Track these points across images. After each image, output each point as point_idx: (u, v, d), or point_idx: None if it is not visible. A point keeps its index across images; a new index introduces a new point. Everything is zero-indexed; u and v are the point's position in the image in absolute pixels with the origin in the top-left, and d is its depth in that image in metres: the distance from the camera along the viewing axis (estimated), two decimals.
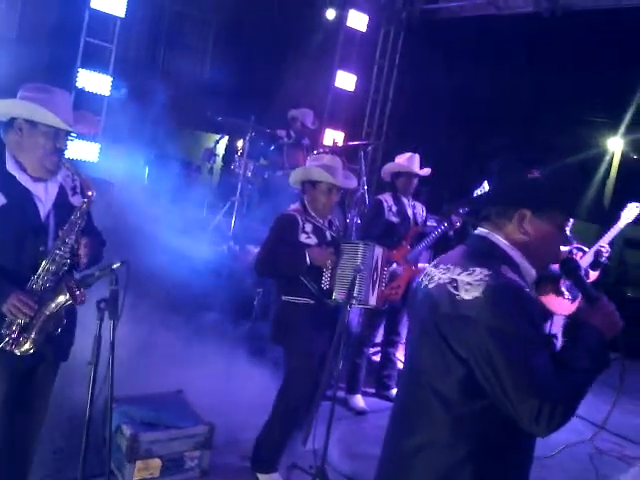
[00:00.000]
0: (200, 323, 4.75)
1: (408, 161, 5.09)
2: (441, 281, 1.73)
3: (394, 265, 4.73)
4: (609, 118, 13.36)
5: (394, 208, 5.03)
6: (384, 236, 4.75)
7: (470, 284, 1.64)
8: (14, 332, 2.42)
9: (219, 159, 8.35)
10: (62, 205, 2.61)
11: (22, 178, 2.51)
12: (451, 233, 4.92)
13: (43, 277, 2.47)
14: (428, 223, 5.29)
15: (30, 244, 2.49)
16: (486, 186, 4.05)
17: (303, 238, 3.63)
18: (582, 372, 1.62)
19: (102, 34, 7.55)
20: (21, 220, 2.48)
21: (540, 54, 10.80)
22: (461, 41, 10.04)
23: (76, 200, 2.65)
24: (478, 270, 1.66)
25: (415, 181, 5.13)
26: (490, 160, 1.94)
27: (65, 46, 7.45)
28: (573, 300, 3.81)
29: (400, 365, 5.14)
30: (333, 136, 9.35)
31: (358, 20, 9.72)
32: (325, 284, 3.62)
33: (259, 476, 3.59)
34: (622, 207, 4.59)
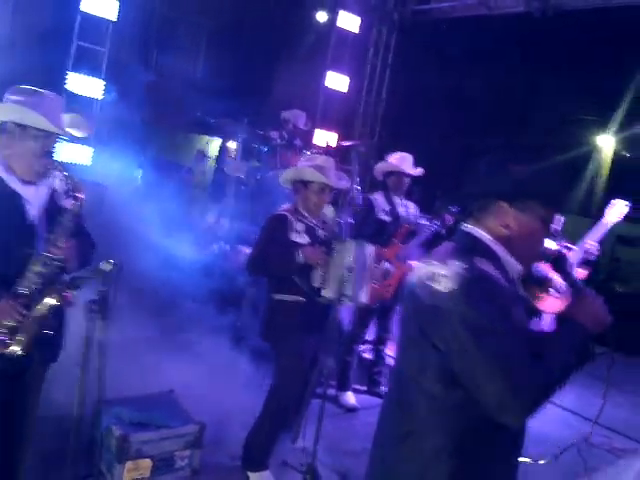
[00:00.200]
0: (190, 323, 4.76)
1: (400, 161, 5.12)
2: (423, 276, 1.76)
3: (386, 263, 4.76)
4: (600, 116, 13.43)
5: (386, 207, 5.07)
6: (376, 235, 4.78)
7: (446, 277, 1.68)
8: (2, 334, 2.42)
9: (211, 161, 8.37)
10: (53, 208, 2.61)
11: (11, 181, 2.52)
12: (443, 231, 4.95)
13: (32, 280, 2.48)
14: (420, 222, 5.31)
15: (18, 247, 2.49)
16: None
17: (294, 237, 3.65)
18: (559, 364, 1.63)
19: (94, 37, 7.55)
20: (9, 223, 2.48)
21: (532, 54, 10.85)
22: (453, 41, 10.08)
23: (67, 202, 2.65)
24: (455, 263, 1.70)
25: (407, 180, 5.16)
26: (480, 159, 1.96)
27: (57, 50, 7.45)
28: (562, 298, 3.82)
29: (391, 362, 5.17)
30: (326, 137, 9.36)
31: (350, 21, 9.74)
32: (316, 282, 3.64)
33: (250, 474, 3.60)
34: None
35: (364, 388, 5.33)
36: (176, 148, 8.79)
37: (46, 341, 2.56)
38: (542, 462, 4.18)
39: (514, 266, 1.81)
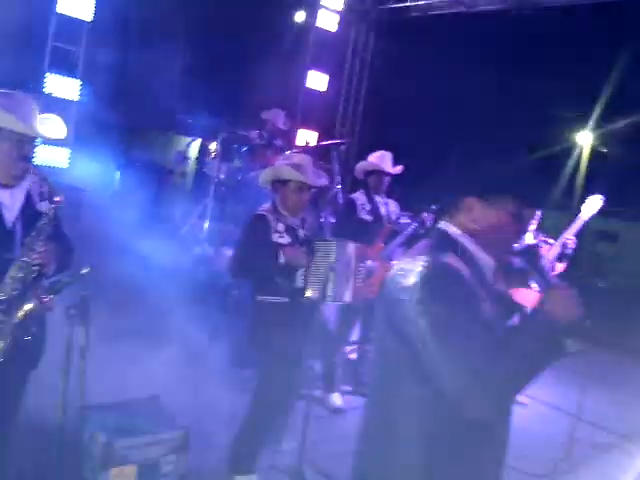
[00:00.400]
0: (172, 326, 4.71)
1: (379, 159, 5.14)
2: (394, 272, 1.80)
3: (369, 262, 4.75)
4: (578, 113, 13.59)
5: (367, 206, 5.08)
6: (357, 234, 4.76)
7: (412, 271, 1.70)
8: None
9: (191, 162, 8.30)
10: (29, 212, 2.57)
11: None
12: (422, 230, 4.96)
13: (10, 284, 2.44)
14: (401, 220, 5.32)
15: None
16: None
17: (276, 237, 3.62)
18: (524, 352, 1.61)
19: (69, 38, 7.45)
20: None
21: (510, 51, 10.93)
22: (432, 39, 10.13)
23: (44, 206, 2.61)
24: (422, 258, 1.73)
25: (387, 179, 5.18)
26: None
27: (32, 51, 7.34)
28: (541, 292, 3.84)
29: None
30: (306, 136, 9.35)
31: (328, 20, 9.73)
32: (299, 282, 3.62)
33: (237, 478, 3.56)
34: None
35: (350, 388, 5.31)
36: (155, 149, 8.71)
37: (26, 347, 2.52)
38: None
39: (486, 261, 1.82)
